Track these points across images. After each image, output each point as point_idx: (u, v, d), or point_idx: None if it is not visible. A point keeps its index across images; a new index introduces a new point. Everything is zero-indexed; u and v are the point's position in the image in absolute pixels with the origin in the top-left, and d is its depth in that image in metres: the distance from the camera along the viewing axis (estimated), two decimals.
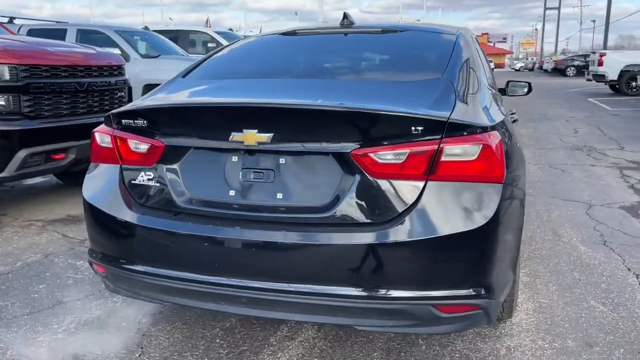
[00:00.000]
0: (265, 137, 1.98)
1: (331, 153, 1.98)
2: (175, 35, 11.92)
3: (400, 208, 1.93)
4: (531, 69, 60.44)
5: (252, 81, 2.56)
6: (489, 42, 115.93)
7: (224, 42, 12.47)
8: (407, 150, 1.91)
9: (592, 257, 3.69)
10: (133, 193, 2.24)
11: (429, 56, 2.66)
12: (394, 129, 1.93)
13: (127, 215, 2.19)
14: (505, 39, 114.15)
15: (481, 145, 1.92)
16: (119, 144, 2.26)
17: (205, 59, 2.91)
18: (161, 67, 8.43)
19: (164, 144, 2.16)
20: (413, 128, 1.89)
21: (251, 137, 1.99)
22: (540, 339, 2.62)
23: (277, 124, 2.00)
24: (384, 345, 2.57)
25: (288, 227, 2.00)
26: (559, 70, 39.12)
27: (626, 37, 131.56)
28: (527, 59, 75.84)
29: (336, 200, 1.98)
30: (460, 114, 1.99)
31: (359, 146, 1.94)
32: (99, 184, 2.35)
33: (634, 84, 17.94)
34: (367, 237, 1.91)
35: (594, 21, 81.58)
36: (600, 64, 18.48)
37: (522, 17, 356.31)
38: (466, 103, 2.14)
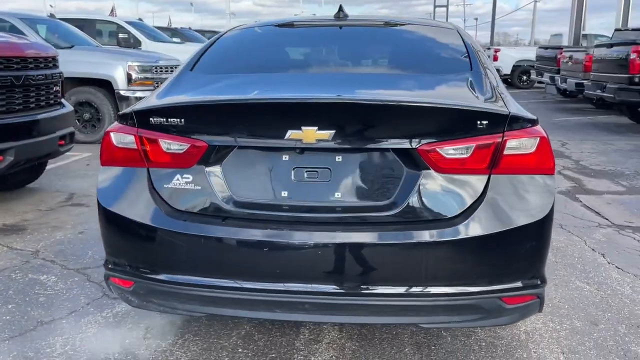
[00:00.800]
0: (327, 134, 1.88)
1: (393, 149, 1.93)
2: (80, 24, 11.05)
3: (467, 203, 1.92)
4: None
5: (285, 75, 2.44)
6: None
7: (136, 33, 11.78)
8: (473, 145, 1.91)
9: (557, 240, 3.94)
10: (167, 198, 2.03)
11: (447, 50, 2.68)
12: (460, 124, 1.92)
13: (165, 222, 1.99)
14: None
15: (538, 139, 1.96)
16: (146, 144, 2.04)
17: (205, 50, 2.70)
18: (77, 59, 7.81)
19: (207, 143, 1.98)
20: (478, 122, 1.89)
21: (311, 134, 1.88)
22: (550, 321, 2.76)
23: (339, 120, 1.91)
24: (411, 340, 2.57)
25: (352, 227, 1.93)
26: None
27: (501, 34, 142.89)
28: None
29: (401, 197, 1.93)
30: (514, 108, 2.02)
31: (426, 141, 1.90)
32: (121, 189, 2.11)
33: (525, 77, 19.43)
34: (437, 234, 1.88)
35: (476, 19, 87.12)
36: (495, 59, 19.79)
37: (410, 14, 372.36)
38: (505, 96, 2.18)
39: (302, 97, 2.07)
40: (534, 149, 1.95)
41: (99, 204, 2.14)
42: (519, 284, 1.96)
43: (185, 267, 1.99)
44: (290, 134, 1.90)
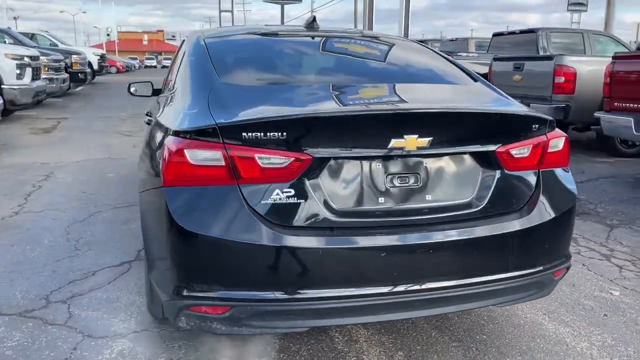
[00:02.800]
0: (425, 141, 2.01)
1: (470, 152, 2.15)
2: None
3: (529, 195, 2.24)
4: None
5: (336, 85, 2.44)
6: (166, 39, 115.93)
7: None
8: (531, 145, 2.23)
9: None
10: (266, 214, 1.94)
11: (439, 63, 2.96)
12: (523, 128, 2.22)
13: (274, 239, 1.90)
14: (174, 36, 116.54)
15: (564, 138, 2.38)
16: (236, 160, 1.92)
17: (206, 60, 2.57)
18: None
19: (311, 156, 1.95)
20: (534, 126, 2.22)
21: (412, 142, 2.00)
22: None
23: (435, 128, 2.05)
24: (455, 330, 2.82)
25: (446, 225, 2.09)
26: None
27: None
28: None
29: (481, 195, 2.16)
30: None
31: (501, 144, 2.16)
32: (208, 210, 1.93)
33: None
34: (514, 224, 2.15)
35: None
36: None
37: (185, 16, 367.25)
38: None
39: (404, 108, 2.17)
40: (562, 146, 2.36)
41: (179, 228, 1.93)
42: (563, 258, 2.35)
43: (297, 282, 1.93)
44: (394, 142, 1.99)
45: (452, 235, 2.08)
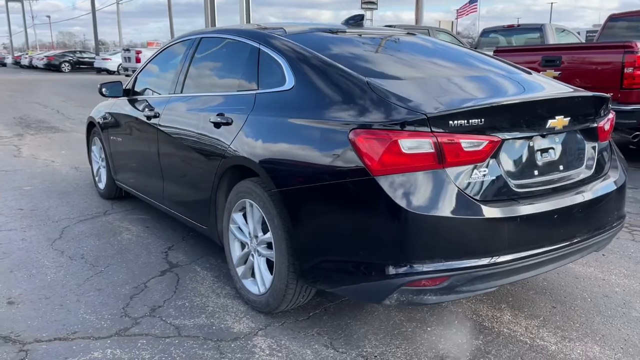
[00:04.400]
0: (567, 120, 2.47)
1: (580, 129, 2.65)
2: None
3: (608, 162, 2.82)
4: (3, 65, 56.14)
5: (459, 79, 2.72)
6: None
7: None
8: (609, 120, 2.81)
9: None
10: (470, 192, 2.21)
11: (484, 56, 3.41)
12: (607, 106, 2.78)
13: (480, 212, 2.18)
14: None
15: (613, 114, 3.02)
16: (444, 147, 2.15)
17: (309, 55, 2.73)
18: None
19: (500, 138, 2.26)
20: (610, 105, 2.81)
21: (561, 121, 2.44)
22: None
23: (570, 110, 2.53)
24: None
25: (579, 189, 2.56)
26: (53, 66, 38.27)
27: (66, 33, 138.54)
28: None
29: (591, 162, 2.68)
30: None
31: (599, 120, 2.70)
32: (425, 193, 2.14)
33: None
34: (612, 184, 2.70)
35: (48, 16, 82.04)
36: (138, 60, 19.99)
37: None
38: None
39: (555, 94, 2.65)
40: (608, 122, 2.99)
41: (403, 211, 2.09)
42: (625, 215, 2.97)
43: (499, 247, 2.21)
44: (550, 122, 2.41)
45: (588, 196, 2.54)
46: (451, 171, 2.20)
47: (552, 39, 11.01)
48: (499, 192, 2.31)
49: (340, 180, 2.29)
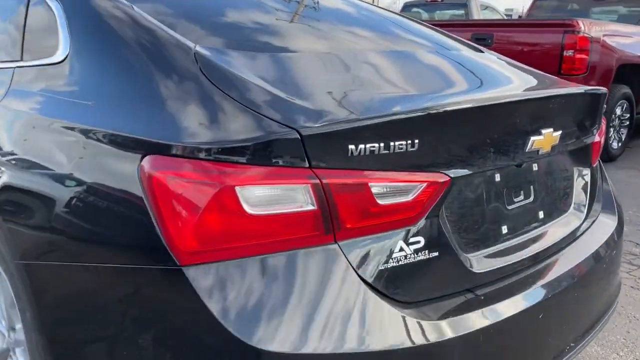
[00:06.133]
0: (557, 136, 1.39)
1: (571, 150, 1.59)
2: None
3: (599, 196, 1.79)
4: None
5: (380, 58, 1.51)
6: None
7: None
8: (600, 131, 1.77)
9: None
10: (388, 290, 1.07)
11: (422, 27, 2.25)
12: (602, 110, 1.74)
13: (416, 332, 1.05)
14: None
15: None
16: (336, 198, 1.01)
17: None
18: None
19: (449, 177, 1.15)
20: (604, 107, 1.77)
21: (549, 139, 1.35)
22: None
23: (562, 119, 1.42)
24: None
25: (569, 251, 1.51)
26: None
27: None
28: None
29: (582, 199, 1.65)
30: None
31: (594, 134, 1.65)
32: (285, 306, 0.97)
33: None
34: (614, 237, 1.68)
35: None
36: None
37: None
38: None
39: (538, 91, 1.46)
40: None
41: (249, 352, 0.93)
42: None
43: None
44: (534, 142, 1.31)
45: (584, 265, 1.50)
46: (350, 248, 1.06)
47: (478, 15, 10.24)
48: (444, 283, 1.20)
49: (123, 272, 1.09)
